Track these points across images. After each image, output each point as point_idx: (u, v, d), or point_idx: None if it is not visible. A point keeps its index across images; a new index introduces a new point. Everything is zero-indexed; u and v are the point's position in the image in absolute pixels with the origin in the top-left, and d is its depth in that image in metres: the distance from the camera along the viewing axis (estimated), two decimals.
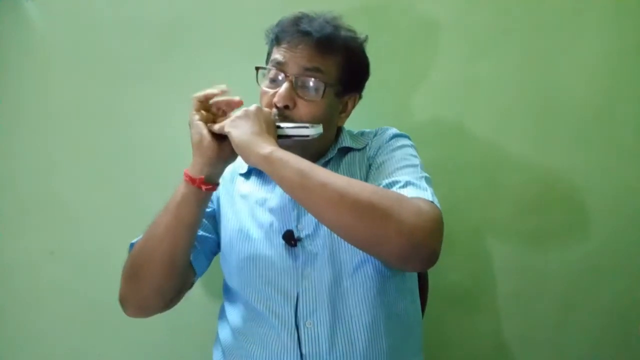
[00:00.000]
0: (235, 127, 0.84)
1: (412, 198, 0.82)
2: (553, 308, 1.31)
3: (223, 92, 0.89)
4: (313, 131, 0.89)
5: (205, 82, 1.24)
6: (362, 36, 1.00)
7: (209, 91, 0.89)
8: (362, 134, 1.05)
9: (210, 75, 1.22)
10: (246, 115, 0.85)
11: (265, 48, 1.00)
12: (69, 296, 1.23)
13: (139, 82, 1.22)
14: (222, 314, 1.03)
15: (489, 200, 1.29)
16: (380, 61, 1.24)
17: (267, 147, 0.81)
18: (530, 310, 1.31)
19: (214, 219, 1.03)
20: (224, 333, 1.00)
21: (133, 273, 0.90)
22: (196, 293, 1.12)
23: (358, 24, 1.20)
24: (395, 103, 1.27)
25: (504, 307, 1.31)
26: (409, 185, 0.85)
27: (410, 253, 0.78)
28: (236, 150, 0.84)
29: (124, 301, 0.92)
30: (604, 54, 1.26)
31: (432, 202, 0.83)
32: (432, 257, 0.80)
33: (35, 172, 1.22)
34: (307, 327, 0.90)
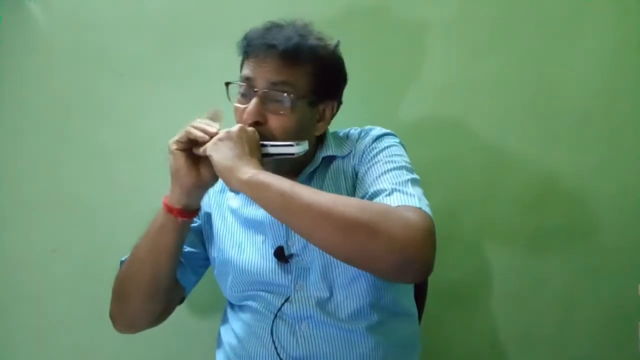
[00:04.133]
0: (217, 150, 0.81)
1: (398, 208, 0.79)
2: (552, 307, 1.31)
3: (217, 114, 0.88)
4: (298, 149, 0.87)
5: (206, 80, 1.25)
6: (332, 42, 0.95)
7: (200, 134, 0.84)
8: (347, 136, 1.02)
9: (211, 73, 1.23)
10: (228, 137, 0.82)
11: None
12: (71, 294, 1.23)
13: (141, 80, 1.22)
14: (224, 318, 1.04)
15: (489, 199, 1.29)
16: (380, 61, 1.25)
17: (248, 172, 0.78)
18: (530, 309, 1.31)
19: (201, 234, 1.02)
20: (227, 336, 1.00)
21: (119, 293, 0.92)
22: (199, 297, 1.12)
23: (358, 24, 1.21)
24: (395, 103, 1.27)
25: (503, 306, 1.31)
26: (395, 192, 0.83)
27: (404, 268, 0.76)
28: (218, 175, 0.82)
29: (112, 318, 0.94)
30: (604, 54, 1.27)
31: (419, 208, 0.80)
32: (427, 268, 0.78)
33: (37, 170, 1.22)
34: (303, 330, 0.90)
